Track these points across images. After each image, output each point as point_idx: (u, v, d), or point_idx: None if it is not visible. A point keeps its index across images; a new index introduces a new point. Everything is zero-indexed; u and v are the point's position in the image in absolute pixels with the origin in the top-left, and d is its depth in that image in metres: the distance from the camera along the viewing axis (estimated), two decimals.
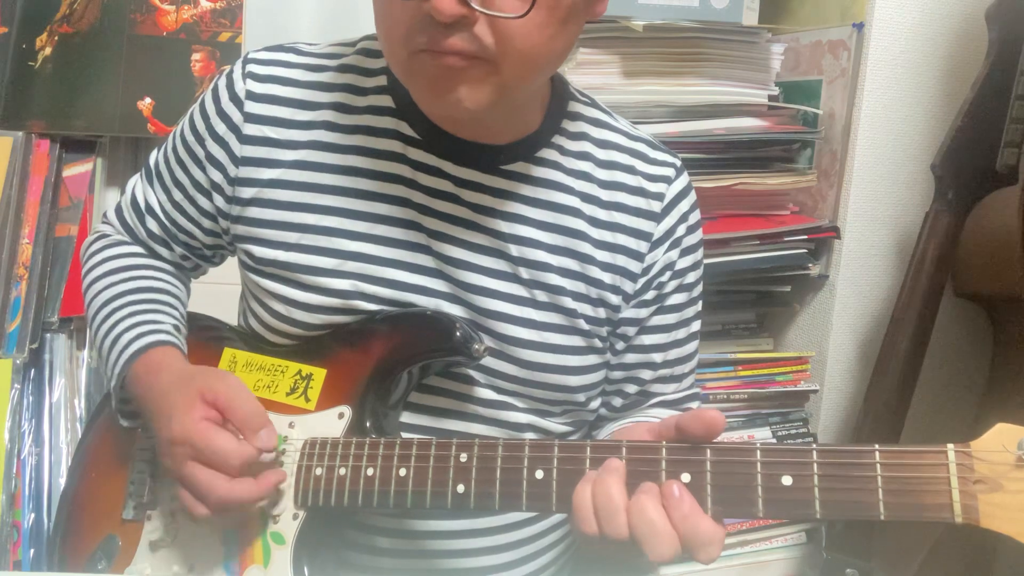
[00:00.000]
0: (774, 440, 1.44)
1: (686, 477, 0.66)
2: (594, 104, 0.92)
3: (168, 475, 0.81)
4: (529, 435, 0.88)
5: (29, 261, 1.46)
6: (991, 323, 1.41)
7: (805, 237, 1.44)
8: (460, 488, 0.73)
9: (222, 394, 0.78)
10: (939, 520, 0.59)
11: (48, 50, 1.49)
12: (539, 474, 0.70)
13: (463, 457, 0.73)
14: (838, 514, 0.62)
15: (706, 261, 0.96)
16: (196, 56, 1.53)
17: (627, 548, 0.66)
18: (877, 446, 0.62)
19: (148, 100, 1.51)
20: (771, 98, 1.46)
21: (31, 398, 1.45)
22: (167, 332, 0.88)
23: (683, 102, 1.39)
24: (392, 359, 0.83)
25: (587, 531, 0.67)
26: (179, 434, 0.76)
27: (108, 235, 0.98)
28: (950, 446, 0.60)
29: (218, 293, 1.08)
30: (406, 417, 0.86)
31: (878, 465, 0.61)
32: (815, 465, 0.63)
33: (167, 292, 0.93)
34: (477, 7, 0.67)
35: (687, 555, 0.65)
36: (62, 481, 1.42)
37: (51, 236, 1.49)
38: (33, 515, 1.40)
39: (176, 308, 0.93)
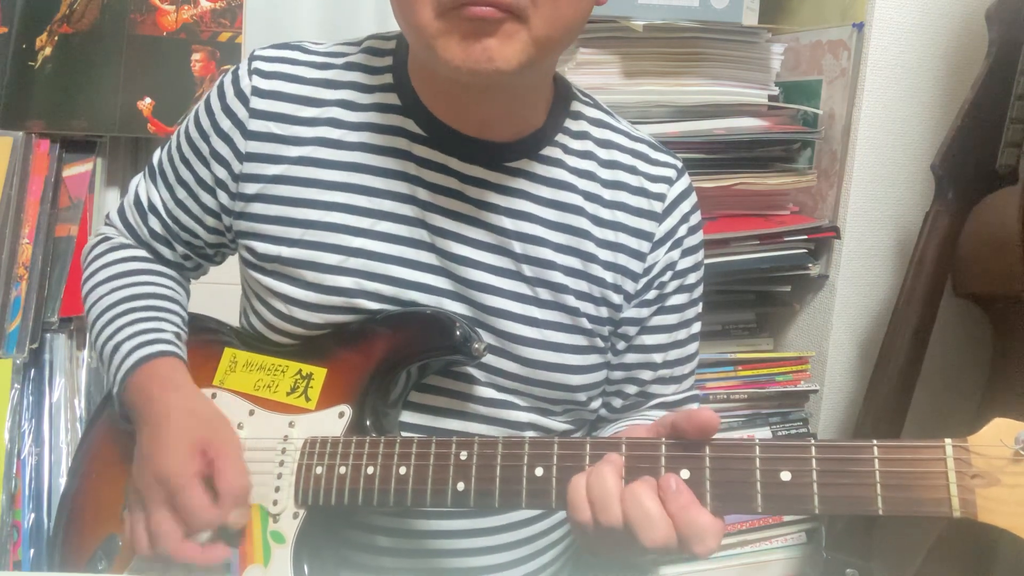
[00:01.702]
0: None
1: (685, 473, 0.66)
2: (596, 105, 0.93)
3: (135, 495, 0.82)
4: (530, 434, 0.88)
5: (29, 261, 1.45)
6: (991, 323, 1.41)
7: (805, 237, 1.44)
8: (460, 486, 0.73)
9: (221, 456, 0.79)
10: (937, 515, 0.59)
11: (48, 50, 1.49)
12: (539, 471, 0.70)
13: (463, 455, 0.73)
14: (836, 509, 0.62)
15: (706, 261, 0.96)
16: (196, 56, 1.53)
17: (621, 538, 0.66)
18: (875, 441, 0.62)
19: (148, 100, 1.51)
20: (771, 98, 1.46)
21: (31, 398, 1.45)
22: (169, 342, 0.87)
23: (683, 102, 1.39)
24: (392, 358, 0.83)
25: (581, 519, 0.67)
26: (167, 473, 0.77)
27: (110, 238, 0.98)
28: (947, 441, 0.60)
29: (218, 293, 1.08)
30: (407, 416, 0.86)
31: (876, 460, 0.61)
32: (814, 460, 0.63)
33: (168, 298, 0.93)
34: None
35: (683, 548, 0.64)
36: (62, 481, 1.42)
37: (51, 236, 1.49)
38: (33, 515, 1.40)
39: (177, 314, 0.92)
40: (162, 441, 0.79)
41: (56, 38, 1.49)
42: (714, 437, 0.67)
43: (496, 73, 0.72)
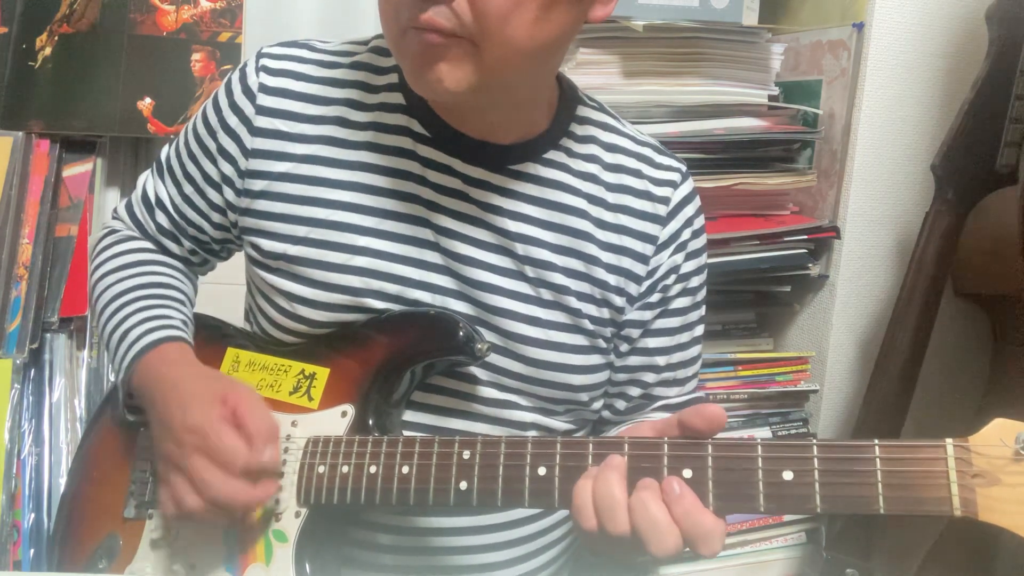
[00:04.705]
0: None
1: (688, 473, 0.66)
2: (602, 109, 0.93)
3: (165, 463, 0.80)
4: (532, 434, 0.88)
5: (29, 261, 1.46)
6: (991, 323, 1.41)
7: (805, 237, 1.44)
8: (463, 485, 0.73)
9: (243, 402, 0.78)
10: (938, 514, 0.59)
11: (48, 50, 1.49)
12: (542, 471, 0.70)
13: (466, 454, 0.73)
14: (838, 508, 0.62)
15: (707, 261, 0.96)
16: (196, 56, 1.53)
17: (628, 544, 0.66)
18: (877, 441, 0.62)
19: (148, 100, 1.51)
20: (771, 98, 1.46)
21: (31, 398, 1.45)
22: (177, 327, 0.88)
23: (683, 102, 1.39)
24: (395, 358, 0.83)
25: (588, 527, 0.67)
26: (194, 423, 0.76)
27: (118, 231, 0.99)
28: (948, 441, 0.60)
29: (219, 293, 1.08)
30: (409, 416, 0.86)
31: (877, 460, 0.61)
32: (815, 460, 0.63)
33: (176, 288, 0.94)
34: None
35: (689, 548, 0.65)
36: (62, 481, 1.42)
37: (51, 236, 1.49)
38: (33, 515, 1.40)
39: (185, 304, 0.93)
40: (181, 402, 0.79)
41: (56, 38, 1.49)
42: (715, 437, 0.67)
43: (447, 93, 0.73)
